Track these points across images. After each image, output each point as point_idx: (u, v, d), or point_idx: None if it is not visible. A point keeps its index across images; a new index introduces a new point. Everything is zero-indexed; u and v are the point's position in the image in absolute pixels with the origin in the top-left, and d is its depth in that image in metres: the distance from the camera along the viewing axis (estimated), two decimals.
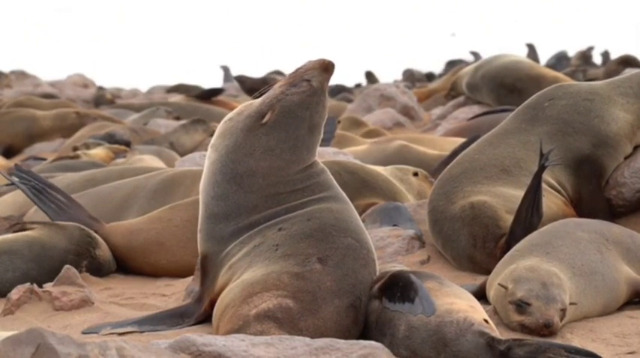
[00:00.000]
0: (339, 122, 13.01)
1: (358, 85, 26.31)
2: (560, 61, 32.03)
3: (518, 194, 6.18)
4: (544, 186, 5.98)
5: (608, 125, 6.63)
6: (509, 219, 6.08)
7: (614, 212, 6.64)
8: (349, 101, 19.47)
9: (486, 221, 6.18)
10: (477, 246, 6.20)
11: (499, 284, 5.02)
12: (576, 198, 6.53)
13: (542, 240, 5.35)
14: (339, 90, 24.70)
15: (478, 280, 5.86)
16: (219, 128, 5.20)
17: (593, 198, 6.50)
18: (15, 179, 7.13)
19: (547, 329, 4.80)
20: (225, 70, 38.31)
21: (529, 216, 5.81)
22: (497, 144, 6.62)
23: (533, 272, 4.98)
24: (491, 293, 5.18)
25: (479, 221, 6.21)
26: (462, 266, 6.34)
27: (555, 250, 5.23)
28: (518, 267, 5.07)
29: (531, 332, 4.83)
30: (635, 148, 6.77)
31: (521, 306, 4.87)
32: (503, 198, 6.29)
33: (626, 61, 18.74)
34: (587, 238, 5.41)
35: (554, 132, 6.59)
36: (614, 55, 29.56)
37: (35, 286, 5.76)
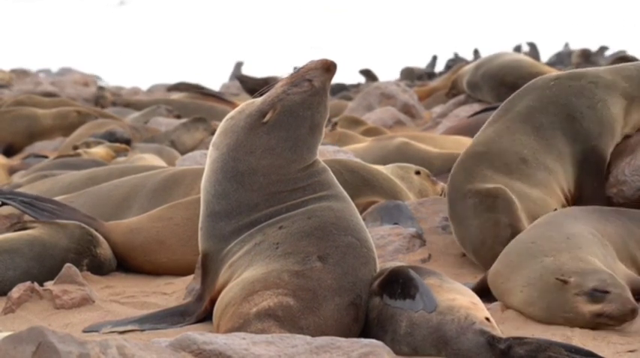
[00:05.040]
0: (336, 123, 13.01)
1: (357, 85, 26.23)
2: (561, 58, 32.04)
3: (531, 193, 6.20)
4: (555, 188, 6.04)
5: (608, 109, 6.62)
6: (521, 218, 6.08)
7: None
8: (349, 99, 19.46)
9: (500, 218, 6.15)
10: (485, 243, 6.17)
11: (557, 278, 4.97)
12: (576, 195, 6.51)
13: (555, 231, 5.33)
14: (340, 89, 24.68)
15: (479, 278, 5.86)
16: (221, 126, 5.21)
17: (594, 196, 6.48)
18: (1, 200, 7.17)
19: (632, 315, 4.82)
20: (237, 65, 38.21)
21: None
22: (514, 130, 6.59)
23: (590, 264, 4.98)
24: (525, 289, 5.11)
25: (492, 216, 6.17)
26: (466, 247, 6.32)
27: (575, 238, 5.23)
28: (562, 260, 5.04)
29: (612, 319, 4.84)
30: (636, 145, 6.76)
31: (596, 296, 4.87)
32: (518, 194, 6.27)
33: (585, 55, 18.74)
34: (592, 232, 5.43)
35: (564, 116, 6.59)
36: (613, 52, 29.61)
37: (36, 284, 5.76)
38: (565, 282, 4.95)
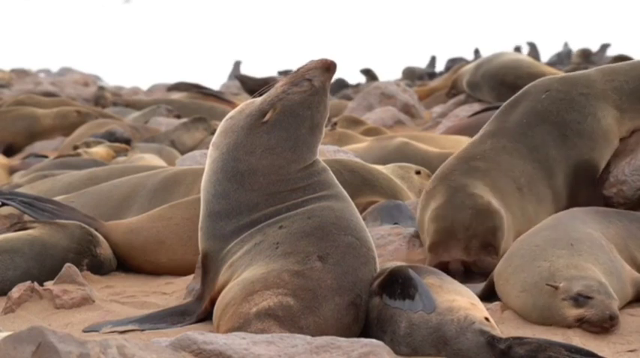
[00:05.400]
0: (336, 123, 13.01)
1: (357, 85, 26.23)
2: (561, 58, 32.03)
3: (515, 226, 6.17)
4: (540, 218, 6.04)
5: (599, 122, 6.61)
6: (500, 246, 6.07)
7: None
8: (349, 99, 19.45)
9: (490, 226, 6.12)
10: (469, 229, 6.09)
11: (548, 284, 4.98)
12: (570, 206, 6.48)
13: (561, 235, 5.33)
14: (340, 85, 24.66)
15: (478, 279, 5.86)
16: (221, 126, 5.21)
17: (590, 205, 6.47)
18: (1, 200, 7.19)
19: (611, 322, 4.80)
20: (236, 64, 38.19)
21: None
22: (510, 151, 6.53)
23: (583, 271, 4.98)
24: (522, 295, 5.11)
25: (489, 219, 6.14)
26: (441, 209, 6.23)
27: (579, 243, 5.22)
28: (558, 267, 5.04)
29: (591, 325, 4.83)
30: (636, 145, 6.75)
31: (579, 300, 4.87)
32: (512, 214, 6.27)
33: (586, 54, 18.73)
34: (598, 236, 5.42)
35: (557, 134, 6.58)
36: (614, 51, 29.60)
37: (36, 284, 5.76)
38: (556, 288, 4.96)
